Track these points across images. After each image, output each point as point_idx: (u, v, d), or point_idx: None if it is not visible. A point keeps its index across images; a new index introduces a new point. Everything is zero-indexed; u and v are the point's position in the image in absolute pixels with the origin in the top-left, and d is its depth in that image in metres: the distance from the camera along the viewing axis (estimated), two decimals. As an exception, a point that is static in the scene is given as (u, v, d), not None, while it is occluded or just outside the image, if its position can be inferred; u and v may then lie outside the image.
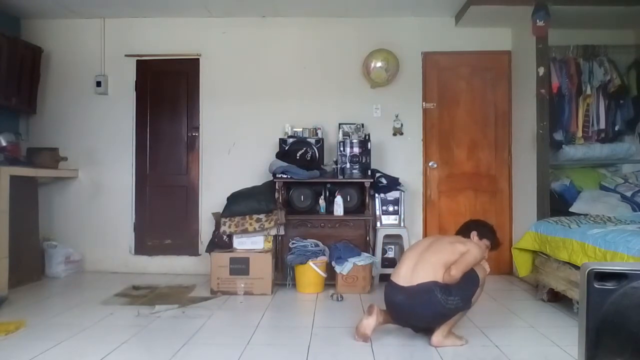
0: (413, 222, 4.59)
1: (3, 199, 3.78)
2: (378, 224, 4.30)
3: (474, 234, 2.84)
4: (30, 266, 4.20)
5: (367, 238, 4.17)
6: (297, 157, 4.24)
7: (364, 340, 2.67)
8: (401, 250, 4.22)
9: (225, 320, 3.22)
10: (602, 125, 4.23)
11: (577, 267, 2.99)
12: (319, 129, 4.50)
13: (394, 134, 4.67)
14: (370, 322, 2.67)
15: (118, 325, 3.01)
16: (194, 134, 4.80)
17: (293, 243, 3.99)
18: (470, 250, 2.64)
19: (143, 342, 2.75)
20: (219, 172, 4.71)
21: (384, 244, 4.30)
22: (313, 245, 3.97)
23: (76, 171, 4.77)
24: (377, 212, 4.31)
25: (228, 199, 4.12)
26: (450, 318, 2.59)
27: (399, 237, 4.29)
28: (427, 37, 4.70)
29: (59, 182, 4.77)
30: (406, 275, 2.64)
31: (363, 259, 3.88)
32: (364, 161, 4.25)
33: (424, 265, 2.62)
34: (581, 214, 3.82)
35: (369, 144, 4.28)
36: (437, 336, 2.61)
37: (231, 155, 4.73)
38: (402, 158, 4.67)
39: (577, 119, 4.21)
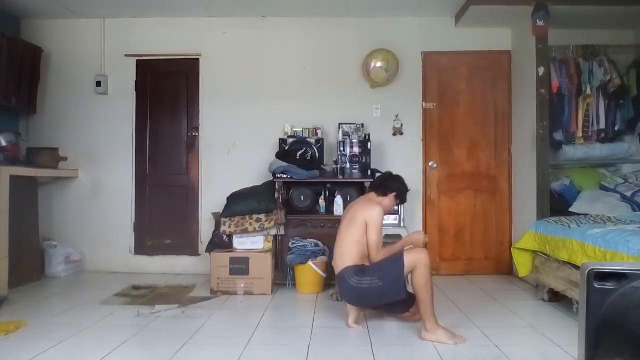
0: (413, 222, 4.59)
1: (3, 199, 3.78)
2: (378, 224, 4.30)
3: (392, 195, 3.07)
4: (30, 266, 4.20)
5: (367, 238, 4.16)
6: (297, 157, 4.24)
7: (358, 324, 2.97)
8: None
9: (225, 320, 3.22)
10: (602, 125, 4.23)
11: (577, 267, 2.99)
12: (319, 129, 4.50)
13: (394, 134, 4.68)
14: (353, 315, 2.97)
15: (118, 325, 3.02)
16: (194, 134, 4.80)
17: (293, 243, 3.98)
18: (370, 222, 2.87)
19: (143, 342, 2.75)
20: (219, 172, 4.71)
21: (384, 244, 4.28)
22: (313, 245, 3.97)
23: (76, 171, 4.77)
24: (377, 212, 4.30)
25: (228, 199, 4.12)
26: (371, 297, 2.78)
27: (399, 237, 4.26)
28: (427, 37, 4.70)
29: (59, 182, 4.77)
30: (334, 264, 3.00)
31: (363, 259, 3.88)
32: (364, 161, 4.25)
33: (340, 252, 2.94)
34: (581, 214, 3.81)
35: (369, 144, 4.28)
36: (422, 329, 2.72)
37: (231, 155, 4.73)
38: (402, 158, 4.67)
39: (577, 119, 4.21)
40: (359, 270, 2.82)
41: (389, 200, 3.07)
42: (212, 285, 3.86)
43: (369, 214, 2.90)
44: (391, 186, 3.08)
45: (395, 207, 3.33)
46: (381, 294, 2.75)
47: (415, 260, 2.68)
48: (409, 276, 2.74)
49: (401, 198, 3.13)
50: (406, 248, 2.88)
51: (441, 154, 4.71)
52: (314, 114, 4.63)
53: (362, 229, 2.89)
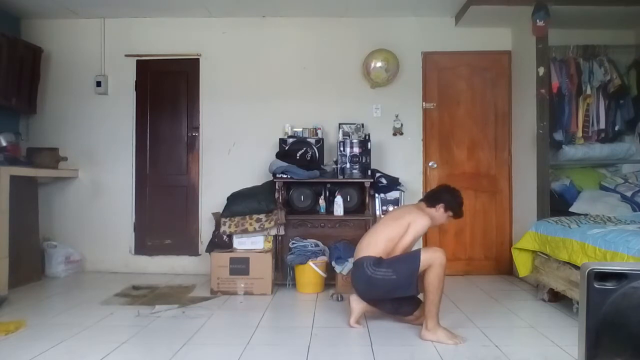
0: (413, 222, 4.58)
1: (3, 199, 3.78)
2: (378, 224, 4.30)
3: (440, 207, 2.97)
4: (30, 266, 4.20)
5: (367, 238, 4.16)
6: (297, 157, 4.24)
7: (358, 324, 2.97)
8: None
9: (225, 320, 3.22)
10: (602, 125, 4.23)
11: (577, 267, 2.99)
12: (319, 129, 4.50)
13: (394, 134, 4.68)
14: (354, 314, 2.97)
15: (118, 325, 3.02)
16: (194, 134, 4.80)
17: (293, 243, 3.99)
18: (412, 226, 2.86)
19: (143, 342, 2.75)
20: (219, 172, 4.71)
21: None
22: (313, 245, 3.97)
23: (76, 171, 4.77)
24: (377, 212, 4.31)
25: (228, 199, 4.12)
26: (382, 289, 2.78)
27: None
28: (427, 37, 4.70)
29: (59, 182, 4.77)
30: (357, 250, 3.00)
31: (363, 259, 3.88)
32: (364, 161, 4.25)
33: (369, 241, 2.95)
34: (581, 214, 3.81)
35: (369, 144, 4.27)
36: (422, 329, 2.73)
37: (231, 155, 4.73)
38: (402, 158, 4.67)
39: (577, 119, 4.21)
40: (377, 261, 2.82)
41: (436, 212, 2.96)
42: (212, 285, 3.86)
43: (415, 219, 2.88)
44: (440, 197, 2.99)
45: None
46: (392, 286, 2.75)
47: (432, 259, 2.68)
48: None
49: (452, 210, 2.97)
50: (424, 247, 2.91)
51: (441, 154, 4.71)
52: (314, 114, 4.63)
53: (402, 230, 2.88)
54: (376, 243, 2.90)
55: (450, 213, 2.99)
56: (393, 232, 2.90)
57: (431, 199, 3.03)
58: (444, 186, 3.15)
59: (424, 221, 2.89)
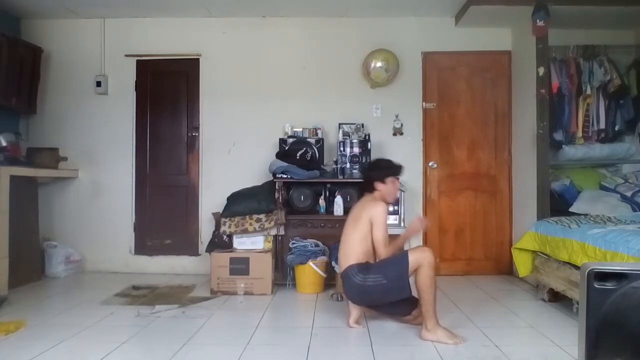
0: (413, 222, 4.58)
1: (3, 199, 3.78)
2: (378, 224, 4.29)
3: (377, 184, 3.02)
4: (30, 266, 4.20)
5: (367, 238, 4.16)
6: (297, 157, 4.24)
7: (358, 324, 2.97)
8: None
9: (225, 320, 3.22)
10: (602, 125, 4.23)
11: (577, 267, 2.99)
12: (319, 129, 4.50)
13: (394, 134, 4.68)
14: (354, 314, 2.97)
15: (118, 325, 3.02)
16: (194, 134, 4.80)
17: (293, 243, 3.99)
18: (374, 220, 2.88)
19: (143, 342, 2.75)
20: (219, 172, 4.71)
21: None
22: (313, 245, 3.97)
23: (76, 171, 4.77)
24: (377, 212, 4.30)
25: (228, 199, 4.12)
26: (376, 295, 2.79)
27: (399, 237, 4.28)
28: (427, 37, 4.70)
29: (59, 182, 4.77)
30: (339, 262, 3.03)
31: (363, 259, 3.88)
32: (364, 161, 4.25)
33: (345, 250, 2.95)
34: (581, 214, 3.81)
35: (369, 144, 4.28)
36: (422, 329, 2.73)
37: (231, 155, 4.73)
38: (402, 158, 4.57)
39: (577, 119, 4.21)
40: (363, 267, 2.83)
41: (380, 191, 3.03)
42: (212, 285, 3.86)
43: (372, 212, 2.92)
44: (370, 179, 3.07)
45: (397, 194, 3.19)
46: (385, 291, 2.76)
47: (420, 260, 2.69)
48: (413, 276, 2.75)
49: (387, 175, 3.03)
50: (411, 248, 2.89)
51: (441, 154, 4.71)
52: (314, 114, 4.63)
53: (366, 227, 2.91)
54: (353, 248, 2.92)
55: (389, 178, 3.03)
56: (362, 231, 2.92)
57: (367, 186, 3.10)
58: (365, 169, 3.17)
59: (379, 208, 2.93)
